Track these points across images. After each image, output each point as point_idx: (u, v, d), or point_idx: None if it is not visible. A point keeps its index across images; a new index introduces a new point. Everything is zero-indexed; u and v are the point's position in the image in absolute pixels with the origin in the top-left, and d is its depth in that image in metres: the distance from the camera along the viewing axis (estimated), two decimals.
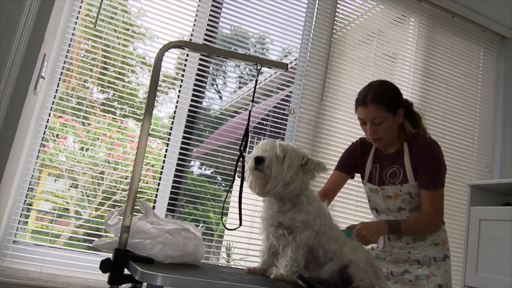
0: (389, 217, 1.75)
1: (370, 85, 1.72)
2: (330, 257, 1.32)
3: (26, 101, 1.78)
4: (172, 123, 2.43)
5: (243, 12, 2.64)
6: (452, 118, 3.21)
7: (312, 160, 1.30)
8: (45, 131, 2.15)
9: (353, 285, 1.32)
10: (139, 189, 1.38)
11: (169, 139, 2.41)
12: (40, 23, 1.82)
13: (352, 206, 2.71)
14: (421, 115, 1.79)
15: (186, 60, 2.49)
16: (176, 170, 2.37)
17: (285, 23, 2.75)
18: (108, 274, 1.13)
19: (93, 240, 1.54)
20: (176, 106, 2.45)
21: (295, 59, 2.82)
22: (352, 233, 1.54)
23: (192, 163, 2.77)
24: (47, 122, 2.16)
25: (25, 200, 2.07)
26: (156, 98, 1.76)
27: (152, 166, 2.54)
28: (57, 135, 2.34)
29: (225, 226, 1.41)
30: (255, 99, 1.47)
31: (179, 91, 2.47)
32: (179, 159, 2.38)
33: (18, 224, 2.05)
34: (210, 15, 2.55)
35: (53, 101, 2.17)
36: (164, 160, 2.39)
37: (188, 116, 2.44)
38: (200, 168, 3.09)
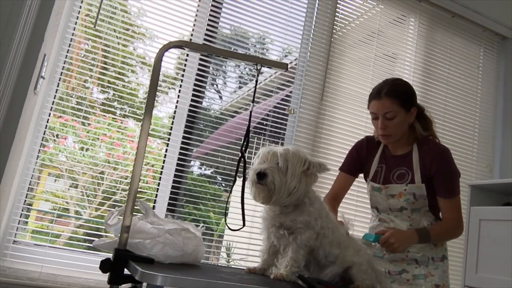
0: (389, 216, 1.74)
1: (385, 81, 1.72)
2: (331, 261, 1.32)
3: (26, 101, 1.78)
4: (172, 123, 2.43)
5: (243, 12, 2.64)
6: (452, 118, 3.21)
7: (314, 163, 1.29)
8: (45, 131, 2.15)
9: (353, 285, 1.32)
10: (139, 189, 1.38)
11: (169, 139, 2.41)
12: (40, 23, 1.82)
13: (352, 206, 2.71)
14: (432, 120, 1.79)
15: (186, 60, 2.49)
16: (176, 170, 2.37)
17: (285, 23, 2.75)
18: (108, 274, 1.13)
19: (93, 240, 1.54)
20: (176, 106, 2.45)
21: (295, 59, 2.82)
22: (380, 239, 1.54)
23: (192, 163, 2.77)
24: (47, 122, 2.16)
25: (25, 200, 2.07)
26: (156, 98, 1.76)
27: (152, 166, 2.54)
28: (57, 135, 2.34)
29: (228, 227, 1.40)
30: (255, 99, 1.47)
31: (179, 91, 2.47)
32: (179, 159, 2.38)
33: (18, 224, 2.05)
34: (210, 15, 2.55)
35: (53, 101, 2.17)
36: (164, 160, 2.39)
37: (188, 116, 2.44)
38: (200, 168, 3.09)
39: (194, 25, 2.51)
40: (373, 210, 1.84)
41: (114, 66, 2.35)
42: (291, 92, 2.75)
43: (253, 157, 2.47)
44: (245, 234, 2.49)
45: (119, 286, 1.15)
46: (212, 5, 2.56)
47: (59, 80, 2.19)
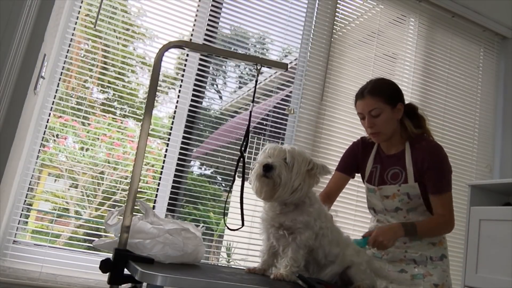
0: (386, 217, 1.75)
1: (368, 81, 1.75)
2: (331, 260, 1.32)
3: (26, 101, 1.78)
4: (172, 123, 2.43)
5: (243, 12, 2.64)
6: (452, 118, 3.21)
7: (317, 164, 1.29)
8: (45, 131, 2.15)
9: (353, 286, 1.32)
10: (139, 189, 1.38)
11: (169, 139, 2.41)
12: (40, 23, 1.82)
13: (352, 206, 2.71)
14: (425, 117, 1.79)
15: (186, 60, 2.49)
16: (176, 170, 2.37)
17: (285, 23, 2.75)
18: (108, 274, 1.13)
19: (93, 240, 1.54)
20: (176, 106, 2.45)
21: (295, 59, 2.82)
22: (368, 241, 1.54)
23: (192, 163, 2.77)
24: (47, 122, 2.16)
25: (25, 200, 2.07)
26: (156, 98, 1.76)
27: (152, 166, 2.54)
28: (57, 135, 2.34)
29: (227, 227, 1.40)
30: (255, 99, 1.47)
31: (179, 91, 2.47)
32: (179, 159, 2.38)
33: (18, 224, 2.05)
34: (210, 15, 2.55)
35: (53, 101, 2.17)
36: (164, 160, 2.39)
37: (188, 116, 2.44)
38: (200, 168, 3.09)
39: (194, 25, 2.51)
40: (371, 211, 1.84)
41: (114, 66, 2.35)
42: (291, 92, 2.75)
43: (253, 157, 2.48)
44: (245, 234, 2.49)
45: (119, 286, 1.15)
46: (212, 5, 2.56)
47: (59, 80, 2.19)
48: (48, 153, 2.33)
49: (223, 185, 2.88)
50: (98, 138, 2.36)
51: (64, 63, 2.21)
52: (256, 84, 1.46)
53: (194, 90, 2.47)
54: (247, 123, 1.41)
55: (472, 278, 2.44)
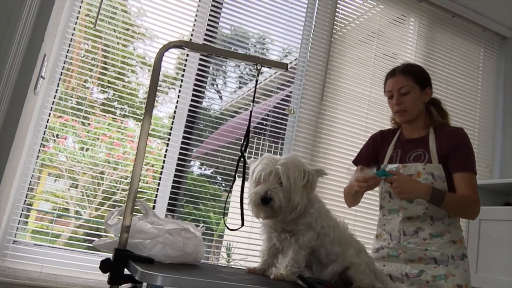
0: (402, 202, 1.66)
1: (401, 64, 1.81)
2: (332, 259, 1.32)
3: (26, 101, 1.78)
4: (172, 123, 2.43)
5: (243, 12, 2.64)
6: (452, 118, 3.17)
7: (311, 172, 1.28)
8: (45, 131, 2.15)
9: (353, 286, 1.32)
10: (139, 189, 1.38)
11: (169, 139, 2.41)
12: (40, 23, 1.82)
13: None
14: (448, 113, 1.81)
15: (186, 60, 2.49)
16: (176, 170, 2.37)
17: (285, 23, 2.75)
18: (108, 274, 1.13)
19: (93, 240, 1.54)
20: (176, 106, 2.45)
21: (295, 59, 2.82)
22: (386, 179, 1.48)
23: (192, 163, 2.77)
24: (47, 122, 2.16)
25: (25, 200, 2.07)
26: (156, 98, 1.76)
27: (152, 166, 2.54)
28: (57, 135, 2.34)
29: (227, 227, 1.40)
30: (255, 99, 1.47)
31: (179, 91, 2.47)
32: (179, 159, 2.38)
33: (18, 224, 2.05)
34: (210, 15, 2.55)
35: (53, 101, 2.17)
36: (164, 160, 2.39)
37: (188, 116, 2.44)
38: (200, 168, 3.09)
39: (194, 25, 2.51)
40: (385, 196, 1.74)
41: (114, 66, 2.35)
42: (291, 92, 2.75)
43: (253, 157, 2.47)
44: (245, 234, 2.49)
45: (119, 286, 1.16)
46: (212, 5, 2.56)
47: (59, 80, 2.19)
48: (48, 153, 2.33)
49: (223, 185, 2.88)
50: (98, 138, 2.36)
51: (64, 63, 2.21)
52: (256, 84, 1.46)
53: (194, 90, 2.47)
54: (247, 123, 1.41)
55: (472, 278, 2.43)
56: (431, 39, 3.24)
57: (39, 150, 2.12)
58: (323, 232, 1.30)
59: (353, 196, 1.77)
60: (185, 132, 2.42)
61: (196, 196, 2.49)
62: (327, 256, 1.32)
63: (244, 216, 1.36)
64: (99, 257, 1.86)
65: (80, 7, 2.28)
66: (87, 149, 2.35)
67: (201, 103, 2.54)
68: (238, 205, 1.37)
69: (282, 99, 2.77)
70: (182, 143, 2.41)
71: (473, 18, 3.33)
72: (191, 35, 2.50)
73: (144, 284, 1.11)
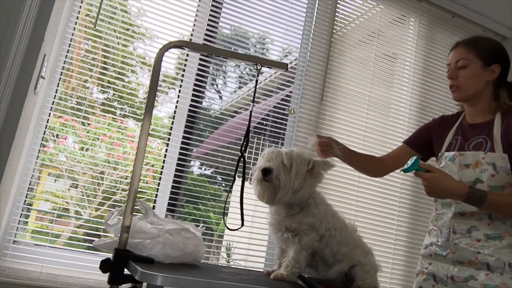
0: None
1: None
2: (339, 259, 1.33)
3: (26, 101, 1.78)
4: (172, 123, 2.43)
5: (243, 12, 2.64)
6: None
7: (318, 162, 1.30)
8: (45, 131, 2.15)
9: (354, 285, 1.33)
10: (139, 189, 1.38)
11: (169, 139, 2.41)
12: (40, 23, 1.82)
13: (352, 206, 2.70)
14: None
15: (186, 60, 2.49)
16: (176, 170, 2.37)
17: (285, 23, 2.75)
18: (108, 274, 1.13)
19: (93, 240, 1.54)
20: (176, 106, 2.45)
21: (295, 59, 2.82)
22: (417, 172, 1.33)
23: (192, 163, 2.77)
24: (47, 122, 2.16)
25: (25, 200, 2.07)
26: (156, 98, 1.76)
27: (152, 166, 2.54)
28: (57, 135, 2.34)
29: (227, 227, 1.41)
30: (255, 99, 1.47)
31: (179, 91, 2.47)
32: (179, 159, 2.38)
33: (18, 224, 2.05)
34: (210, 15, 2.55)
35: (53, 101, 2.17)
36: (164, 160, 2.39)
37: (188, 116, 2.44)
38: (200, 168, 3.10)
39: (194, 25, 2.51)
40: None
41: (114, 66, 2.35)
42: (291, 92, 2.75)
43: (253, 157, 2.47)
44: (245, 234, 2.49)
45: (119, 286, 1.16)
46: (212, 5, 2.56)
47: (59, 80, 2.19)
48: (48, 153, 2.33)
49: (223, 185, 2.88)
50: (98, 138, 2.36)
51: (64, 63, 2.21)
52: (256, 84, 1.46)
53: (194, 90, 2.47)
54: (247, 123, 1.41)
55: None
56: (431, 39, 3.24)
57: (39, 150, 2.12)
58: (328, 234, 1.31)
59: (352, 163, 1.68)
60: (185, 132, 2.42)
61: (196, 196, 2.49)
62: (334, 256, 1.33)
63: (244, 216, 1.36)
64: (99, 257, 1.86)
65: (80, 7, 2.28)
66: (87, 149, 2.35)
67: (201, 103, 2.54)
68: (238, 205, 1.37)
69: (282, 99, 2.77)
70: (182, 143, 2.41)
71: (473, 18, 3.33)
72: (191, 35, 2.50)
73: (144, 284, 1.11)
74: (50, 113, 2.18)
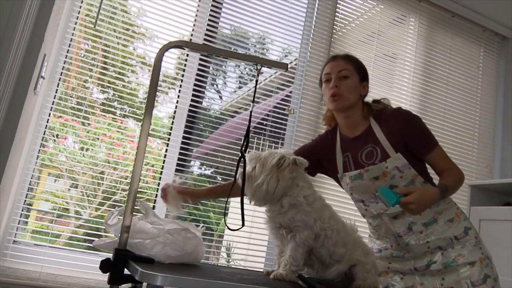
0: (380, 204, 1.55)
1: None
2: (336, 260, 1.33)
3: (26, 101, 1.78)
4: (172, 123, 2.43)
5: (243, 12, 2.64)
6: (452, 118, 3.21)
7: (285, 157, 1.31)
8: (45, 131, 2.15)
9: (354, 284, 1.32)
10: (139, 189, 1.38)
11: (169, 139, 2.41)
12: (40, 23, 1.82)
13: (352, 206, 2.70)
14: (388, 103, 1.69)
15: (186, 60, 2.49)
16: (176, 170, 2.37)
17: (285, 23, 2.75)
18: (108, 274, 1.13)
19: (93, 240, 1.54)
20: (176, 106, 2.45)
21: (295, 59, 2.82)
22: (401, 201, 1.35)
23: (192, 163, 2.77)
24: (47, 122, 2.16)
25: (25, 200, 2.07)
26: (156, 98, 1.76)
27: (152, 166, 2.54)
28: (57, 135, 2.34)
29: (227, 227, 1.40)
30: (255, 99, 1.47)
31: (179, 91, 2.47)
32: (179, 159, 2.38)
33: (18, 224, 2.05)
34: (210, 15, 2.55)
35: (53, 101, 2.17)
36: (164, 160, 2.39)
37: (188, 116, 2.44)
38: (200, 168, 3.10)
39: (194, 25, 2.51)
40: (359, 204, 1.67)
41: (114, 66, 2.35)
42: (291, 92, 2.75)
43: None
44: (245, 234, 2.49)
45: (119, 286, 1.15)
46: (212, 5, 2.56)
47: (59, 80, 2.19)
48: (48, 153, 2.33)
49: None
50: (98, 138, 2.36)
51: (64, 63, 2.21)
52: (256, 84, 1.46)
53: (194, 90, 2.47)
54: (247, 123, 1.41)
55: None
56: (431, 39, 3.24)
57: (39, 150, 2.12)
58: (324, 234, 1.30)
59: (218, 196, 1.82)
60: (185, 132, 2.42)
61: None
62: (330, 256, 1.32)
63: (244, 216, 1.36)
64: (99, 257, 1.86)
65: (80, 7, 2.28)
66: (87, 149, 2.35)
67: (201, 103, 2.54)
68: (238, 205, 1.37)
69: (282, 99, 2.77)
70: (182, 143, 2.41)
71: (473, 18, 3.33)
72: (191, 35, 2.50)
73: (144, 284, 1.11)
74: (50, 113, 2.18)
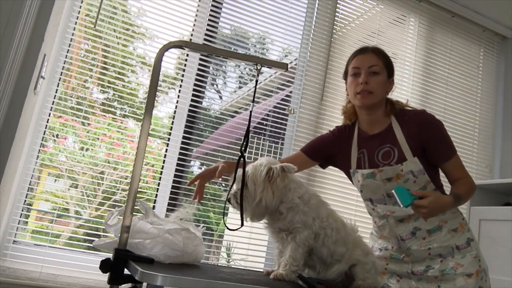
0: (388, 206, 1.56)
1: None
2: (337, 259, 1.33)
3: (26, 101, 1.78)
4: (172, 123, 2.43)
5: (243, 12, 2.64)
6: (452, 118, 3.21)
7: (272, 167, 1.30)
8: (45, 131, 2.15)
9: (354, 284, 1.32)
10: (139, 189, 1.38)
11: (169, 139, 2.41)
12: (40, 23, 1.82)
13: (352, 206, 2.70)
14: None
15: (186, 60, 2.49)
16: (176, 170, 2.37)
17: (285, 23, 2.75)
18: (108, 274, 1.13)
19: (93, 240, 1.54)
20: (176, 106, 2.45)
21: (295, 59, 2.82)
22: (416, 204, 1.34)
23: (192, 163, 2.77)
24: (47, 122, 2.16)
25: (25, 200, 2.07)
26: (156, 98, 1.76)
27: (152, 166, 2.54)
28: (57, 135, 2.34)
29: (227, 227, 1.40)
30: (255, 99, 1.47)
31: (179, 91, 2.47)
32: (179, 159, 2.38)
33: (18, 224, 2.05)
34: (210, 15, 2.55)
35: (53, 101, 2.17)
36: (164, 160, 2.39)
37: (188, 116, 2.44)
38: (200, 168, 3.09)
39: (194, 25, 2.51)
40: (367, 203, 1.64)
41: (114, 66, 2.35)
42: (291, 92, 2.75)
43: (253, 157, 2.47)
44: (245, 234, 2.49)
45: (119, 286, 1.15)
46: (212, 5, 2.56)
47: (59, 80, 2.19)
48: (48, 153, 2.33)
49: (223, 185, 2.88)
50: (98, 138, 2.36)
51: (64, 63, 2.21)
52: (256, 84, 1.46)
53: (194, 90, 2.47)
54: (247, 123, 1.41)
55: None
56: (431, 39, 3.24)
57: (39, 150, 2.12)
58: (323, 233, 1.30)
59: None
60: (185, 132, 2.42)
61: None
62: (331, 256, 1.32)
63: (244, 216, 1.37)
64: (99, 257, 1.87)
65: (80, 7, 2.28)
66: (87, 149, 2.35)
67: (201, 103, 2.54)
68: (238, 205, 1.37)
69: (282, 99, 2.77)
70: (182, 143, 2.41)
71: (473, 18, 3.33)
72: (191, 35, 2.50)
73: (144, 284, 1.11)
74: (50, 113, 2.18)
